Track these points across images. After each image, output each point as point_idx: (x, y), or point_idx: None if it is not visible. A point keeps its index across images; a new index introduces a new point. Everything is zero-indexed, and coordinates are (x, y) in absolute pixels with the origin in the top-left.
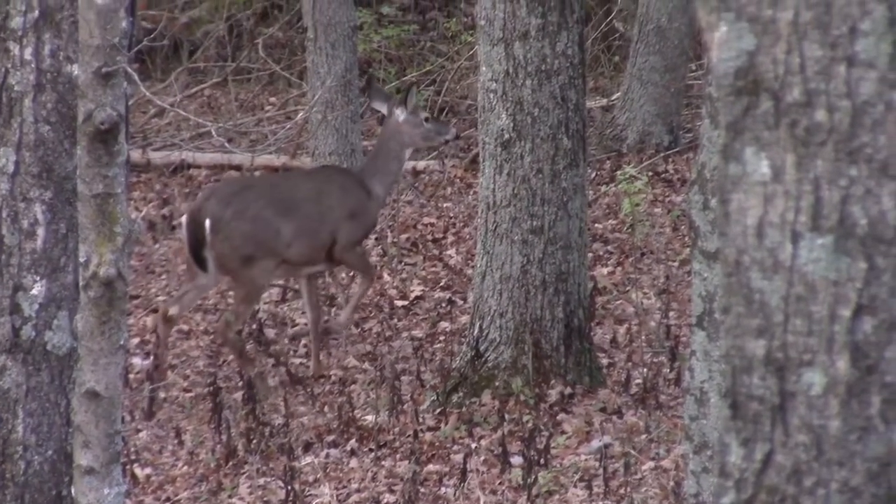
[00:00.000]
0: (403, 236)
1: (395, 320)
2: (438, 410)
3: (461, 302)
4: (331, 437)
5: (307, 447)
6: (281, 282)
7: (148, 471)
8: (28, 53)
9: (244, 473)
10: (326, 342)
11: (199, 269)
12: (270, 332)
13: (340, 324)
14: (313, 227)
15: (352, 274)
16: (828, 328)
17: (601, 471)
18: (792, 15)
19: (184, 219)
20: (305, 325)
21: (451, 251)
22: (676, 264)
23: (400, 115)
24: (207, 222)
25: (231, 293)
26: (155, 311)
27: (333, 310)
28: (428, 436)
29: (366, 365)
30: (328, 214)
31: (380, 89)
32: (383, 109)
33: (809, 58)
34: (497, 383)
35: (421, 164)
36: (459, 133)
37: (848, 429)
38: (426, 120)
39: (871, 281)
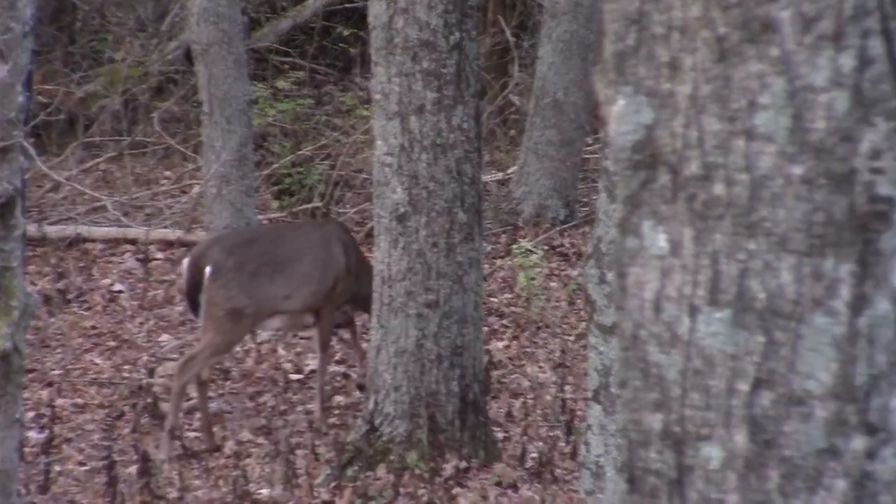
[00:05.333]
0: None
1: (290, 394)
2: (333, 484)
3: (356, 376)
4: None
5: None
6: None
7: None
8: None
9: None
10: (221, 416)
11: (192, 312)
12: (166, 406)
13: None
14: (316, 275)
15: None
16: (726, 402)
17: None
18: (690, 89)
19: (185, 262)
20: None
21: None
22: (572, 338)
23: None
24: (208, 269)
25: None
26: (50, 385)
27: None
28: None
29: (261, 439)
30: (332, 262)
31: None
32: None
33: (708, 131)
34: (392, 457)
35: None
36: None
37: (746, 503)
38: None
39: (770, 355)
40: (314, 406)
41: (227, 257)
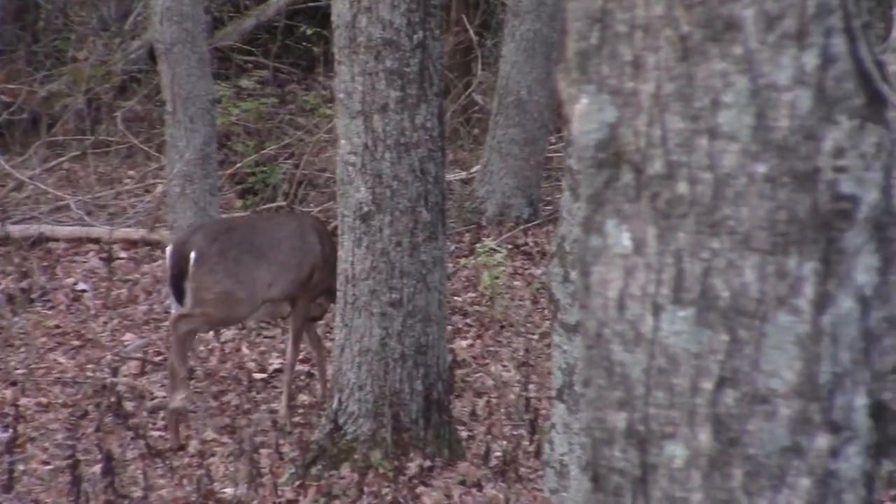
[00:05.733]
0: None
1: (254, 393)
2: (298, 483)
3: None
4: None
5: None
6: (139, 354)
7: None
8: None
9: None
10: (185, 415)
11: (177, 301)
12: (129, 405)
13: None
14: (294, 263)
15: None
16: (689, 400)
17: None
18: (654, 87)
19: (168, 250)
20: (164, 398)
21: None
22: (536, 337)
23: None
24: (193, 255)
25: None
26: (14, 384)
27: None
28: None
29: (225, 438)
30: (309, 251)
31: None
32: None
33: (671, 130)
34: (356, 456)
35: None
36: None
37: (710, 502)
38: None
39: (733, 353)
40: (280, 402)
41: (210, 243)
